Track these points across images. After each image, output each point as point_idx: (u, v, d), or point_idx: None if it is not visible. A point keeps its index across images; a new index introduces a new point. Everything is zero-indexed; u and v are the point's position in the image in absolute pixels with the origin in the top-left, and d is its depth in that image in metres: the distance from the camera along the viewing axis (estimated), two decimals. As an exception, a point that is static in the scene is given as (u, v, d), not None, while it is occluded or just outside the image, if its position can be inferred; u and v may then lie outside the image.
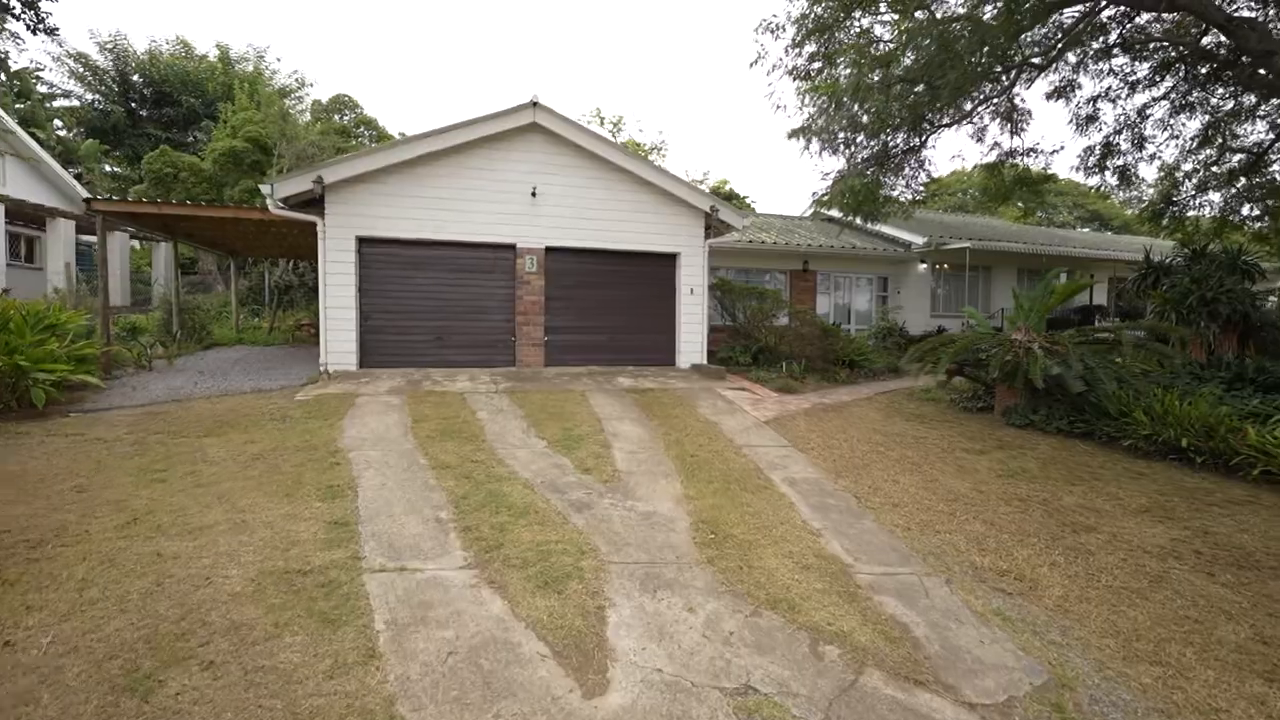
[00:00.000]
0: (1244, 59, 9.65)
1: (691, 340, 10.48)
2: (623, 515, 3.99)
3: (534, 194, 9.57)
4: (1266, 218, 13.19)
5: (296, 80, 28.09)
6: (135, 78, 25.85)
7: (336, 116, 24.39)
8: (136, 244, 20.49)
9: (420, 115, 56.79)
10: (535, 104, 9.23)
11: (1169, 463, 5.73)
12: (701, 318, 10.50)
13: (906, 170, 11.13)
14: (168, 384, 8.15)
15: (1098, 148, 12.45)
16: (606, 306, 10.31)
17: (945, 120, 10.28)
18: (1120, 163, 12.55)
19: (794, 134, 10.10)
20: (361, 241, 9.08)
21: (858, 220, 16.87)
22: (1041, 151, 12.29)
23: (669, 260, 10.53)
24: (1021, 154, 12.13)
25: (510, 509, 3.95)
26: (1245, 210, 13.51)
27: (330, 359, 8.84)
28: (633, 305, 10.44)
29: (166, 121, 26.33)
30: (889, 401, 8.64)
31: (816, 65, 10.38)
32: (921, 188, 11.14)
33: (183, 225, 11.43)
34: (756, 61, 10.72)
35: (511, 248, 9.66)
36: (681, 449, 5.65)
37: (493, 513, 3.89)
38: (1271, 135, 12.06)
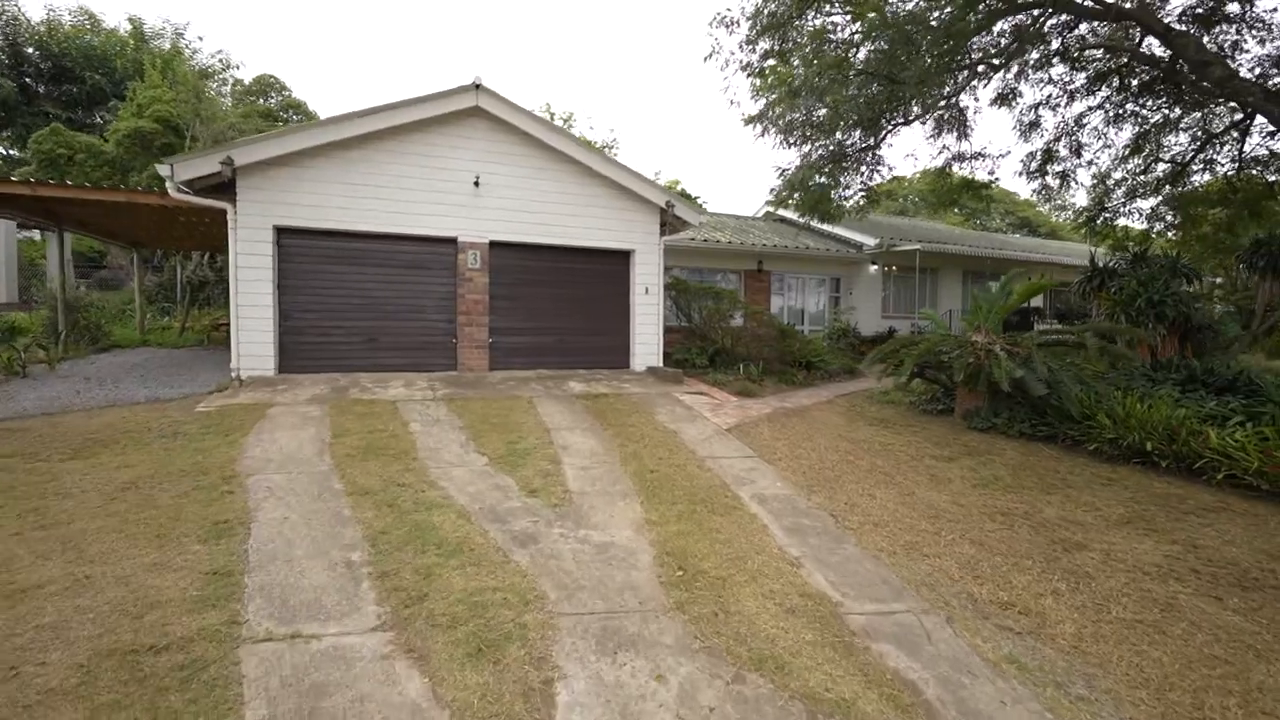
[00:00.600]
0: (1181, 66, 9.97)
1: (647, 342, 9.98)
2: (575, 549, 3.42)
3: (477, 184, 8.84)
4: (1175, 227, 13.76)
5: (221, 61, 25.96)
6: (29, 50, 23.24)
7: (262, 99, 22.61)
8: (38, 234, 18.30)
9: (356, 104, 54.12)
10: (478, 86, 8.50)
11: (1133, 467, 5.63)
12: (657, 318, 10.02)
13: (863, 169, 11.01)
14: (41, 393, 6.98)
15: (1039, 154, 12.77)
16: (557, 306, 9.67)
17: (900, 119, 10.18)
18: (1060, 169, 12.91)
19: (751, 120, 9.74)
20: (280, 232, 8.11)
21: (814, 223, 16.90)
22: (989, 155, 12.55)
23: (623, 258, 9.99)
24: (970, 157, 12.29)
25: (440, 546, 3.32)
26: (1169, 218, 14.14)
27: (243, 364, 7.85)
28: (585, 305, 9.85)
29: (68, 100, 23.81)
30: (850, 405, 8.39)
31: (771, 62, 10.11)
32: (876, 187, 11.01)
33: (70, 211, 10.05)
34: (711, 56, 10.33)
35: (452, 242, 8.89)
36: (640, 463, 5.12)
37: (418, 552, 3.24)
38: (1194, 147, 12.62)
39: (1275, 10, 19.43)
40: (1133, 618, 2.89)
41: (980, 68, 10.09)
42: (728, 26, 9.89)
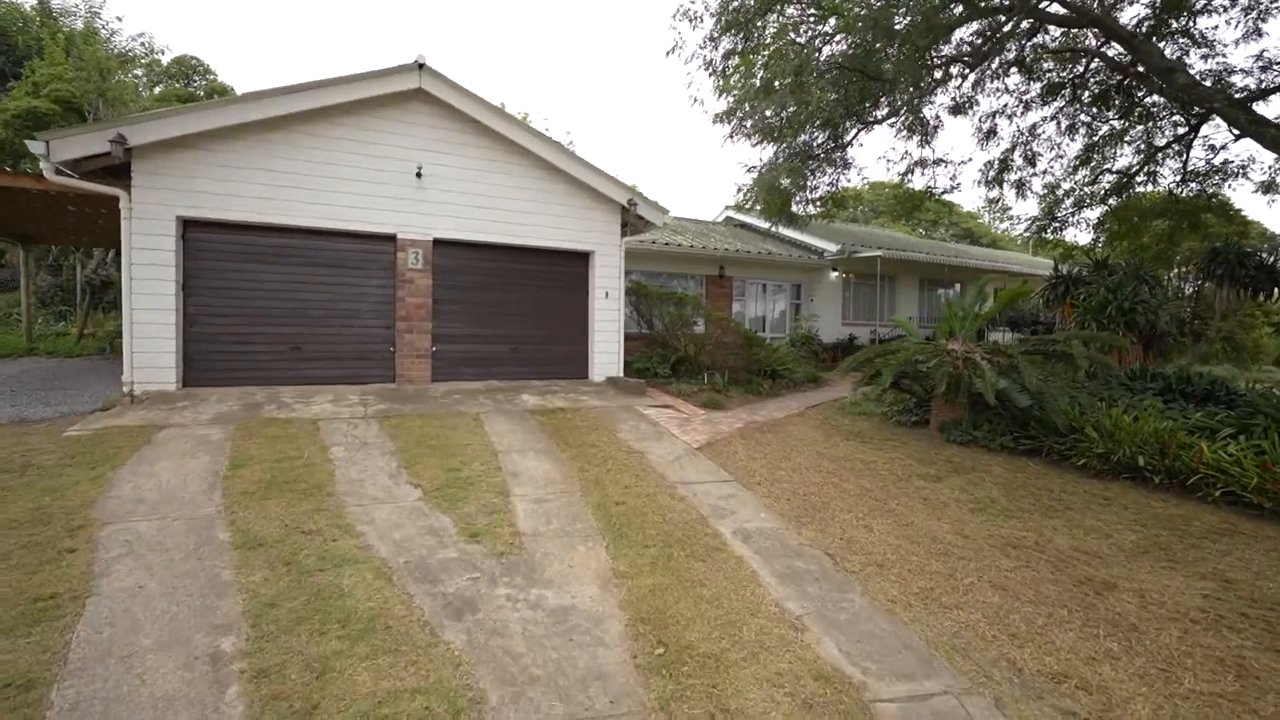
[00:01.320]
0: (1132, 82, 10.09)
1: (607, 350, 9.29)
2: (525, 618, 2.70)
3: (420, 175, 7.98)
4: (1118, 236, 14.02)
5: (144, 45, 23.80)
6: (-94, 19, 20.65)
7: (182, 83, 20.77)
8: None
9: (300, 99, 51.36)
10: (421, 65, 7.66)
11: (1125, 483, 5.33)
12: (618, 325, 9.35)
13: (830, 171, 10.70)
14: None
15: (996, 162, 12.86)
16: (509, 311, 8.88)
17: (871, 119, 9.89)
18: (1016, 177, 13.04)
19: (720, 118, 9.23)
20: (187, 224, 7.05)
21: (776, 228, 16.63)
22: (951, 162, 12.58)
23: (581, 260, 9.29)
24: (932, 164, 12.25)
25: (346, 623, 2.54)
26: (1112, 228, 14.48)
27: (138, 377, 6.73)
28: (540, 310, 9.09)
29: (-47, 78, 21.26)
30: (823, 417, 7.94)
31: (735, 61, 9.67)
32: (843, 190, 10.70)
33: (-71, 197, 8.58)
34: (673, 50, 9.81)
35: (391, 239, 7.99)
36: (604, 492, 4.43)
37: (315, 633, 2.46)
38: (1139, 160, 12.92)
39: (1216, 28, 20.47)
40: (1208, 689, 2.40)
41: (953, 67, 9.94)
42: (691, 20, 9.39)
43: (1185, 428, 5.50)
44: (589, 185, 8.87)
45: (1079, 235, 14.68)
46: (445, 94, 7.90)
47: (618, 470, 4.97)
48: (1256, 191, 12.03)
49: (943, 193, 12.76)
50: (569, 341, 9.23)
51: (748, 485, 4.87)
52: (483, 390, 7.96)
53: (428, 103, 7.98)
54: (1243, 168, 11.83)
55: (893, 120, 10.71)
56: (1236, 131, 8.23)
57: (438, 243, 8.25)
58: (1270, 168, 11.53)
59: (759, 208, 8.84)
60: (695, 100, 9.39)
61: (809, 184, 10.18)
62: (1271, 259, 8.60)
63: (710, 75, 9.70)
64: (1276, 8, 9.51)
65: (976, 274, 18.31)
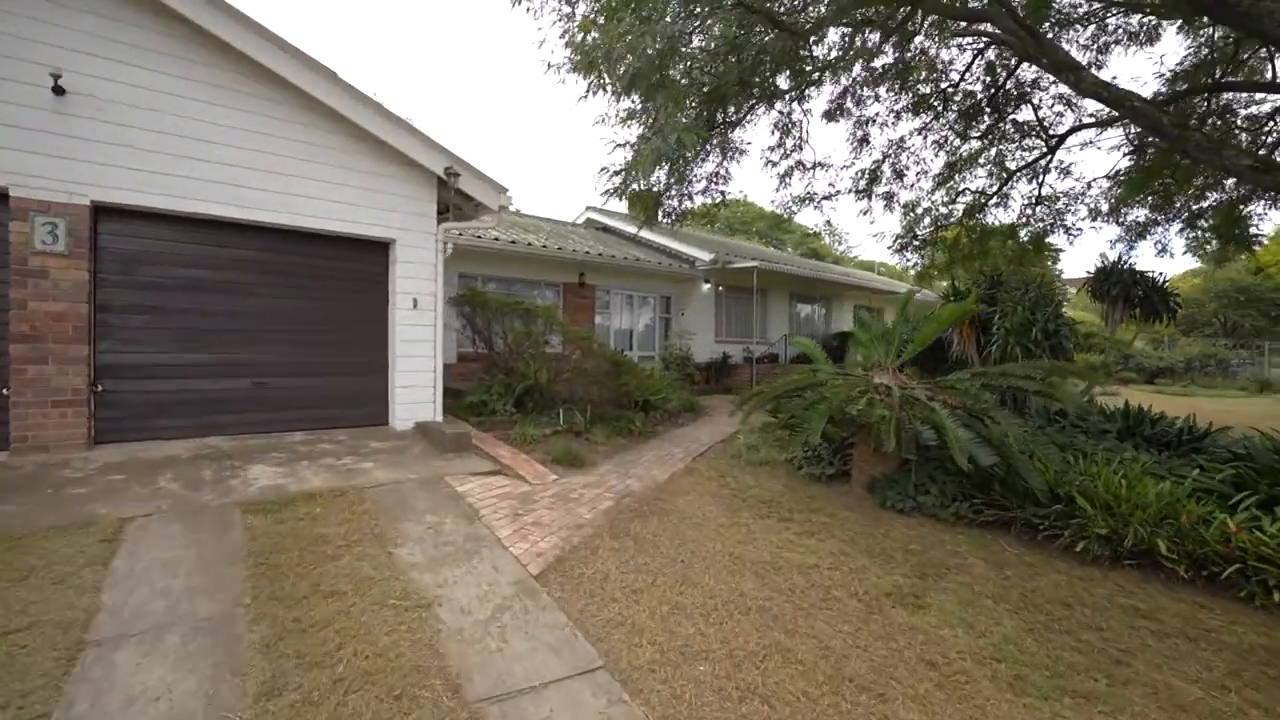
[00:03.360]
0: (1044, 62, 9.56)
1: (416, 384, 6.44)
2: None
3: (59, 89, 4.61)
4: (972, 257, 14.09)
5: None
6: None
7: None
8: None
9: None
10: (50, -104, 4.37)
11: (1139, 574, 3.85)
12: (433, 346, 6.55)
13: (710, 162, 8.87)
14: None
15: (867, 172, 12.25)
16: (249, 326, 5.70)
17: (754, 100, 8.21)
18: (885, 189, 12.60)
19: (576, 67, 6.82)
20: None
21: (642, 232, 14.69)
22: (831, 165, 11.61)
23: (376, 252, 6.38)
24: (811, 166, 11.22)
25: None
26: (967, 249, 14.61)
27: None
28: (306, 325, 6.02)
29: None
30: (717, 474, 5.88)
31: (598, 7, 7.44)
32: (728, 177, 8.89)
33: None
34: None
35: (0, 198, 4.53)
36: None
37: None
38: (992, 185, 12.93)
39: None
40: None
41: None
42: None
43: (1187, 492, 4.19)
44: (385, 142, 6.03)
45: (935, 255, 14.67)
46: (112, -43, 4.66)
47: (358, 680, 2.32)
48: (1085, 219, 12.60)
49: (824, 198, 11.73)
50: (355, 371, 6.25)
51: (631, 679, 2.49)
52: (186, 459, 4.74)
53: (79, -31, 4.67)
54: (1081, 194, 12.29)
55: (781, 111, 9.24)
56: (1158, 134, 7.60)
57: (104, 210, 4.91)
58: (1095, 195, 12.03)
59: (639, 181, 6.57)
60: (551, 67, 7.03)
61: (692, 173, 8.24)
62: (1163, 282, 8.26)
63: (565, 35, 7.35)
64: (1117, 43, 9.62)
65: (840, 290, 18.02)
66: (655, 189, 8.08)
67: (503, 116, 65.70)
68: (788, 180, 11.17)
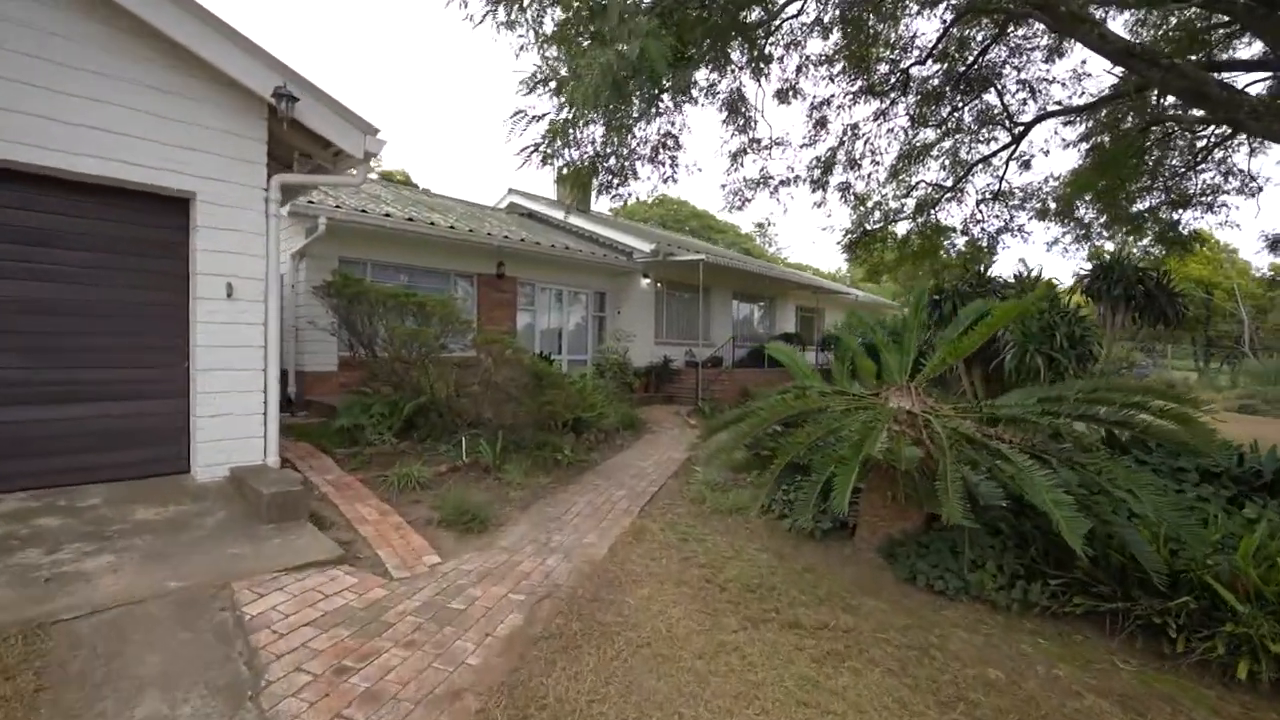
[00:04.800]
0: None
1: (231, 410, 4.31)
2: None
3: None
4: (920, 256, 13.37)
5: None
6: None
7: None
8: None
9: None
10: None
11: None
12: (263, 354, 4.45)
13: (653, 131, 7.22)
14: None
15: (821, 160, 11.18)
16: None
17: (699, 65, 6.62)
18: (841, 180, 11.64)
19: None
20: None
21: (571, 218, 12.85)
22: (789, 144, 10.39)
23: (167, 210, 4.21)
24: (768, 145, 10.02)
25: None
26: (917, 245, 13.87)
27: None
28: (47, 323, 3.81)
29: None
30: (676, 535, 4.23)
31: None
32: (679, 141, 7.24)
33: None
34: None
35: None
36: None
37: None
38: (950, 178, 12.13)
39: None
40: None
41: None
42: None
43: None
44: (180, 44, 3.90)
45: (883, 252, 13.83)
46: None
47: None
48: (1032, 217, 12.07)
49: (780, 183, 10.43)
50: (130, 394, 4.06)
51: None
52: None
53: None
54: (1037, 190, 11.69)
55: (735, 67, 7.74)
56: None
57: None
58: (1045, 193, 11.46)
59: (579, 115, 4.69)
60: (468, 17, 5.19)
61: (641, 133, 6.54)
62: (1168, 282, 7.37)
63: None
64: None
65: (786, 290, 16.94)
66: (588, 155, 6.30)
67: (410, 90, 61.64)
68: (739, 161, 9.88)
